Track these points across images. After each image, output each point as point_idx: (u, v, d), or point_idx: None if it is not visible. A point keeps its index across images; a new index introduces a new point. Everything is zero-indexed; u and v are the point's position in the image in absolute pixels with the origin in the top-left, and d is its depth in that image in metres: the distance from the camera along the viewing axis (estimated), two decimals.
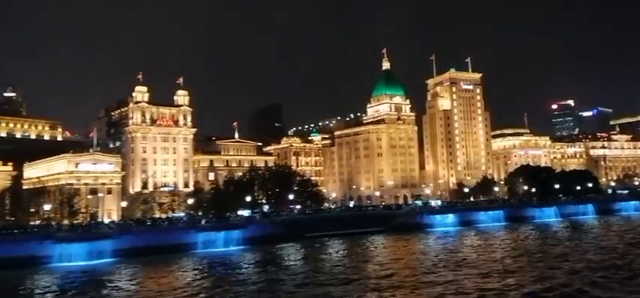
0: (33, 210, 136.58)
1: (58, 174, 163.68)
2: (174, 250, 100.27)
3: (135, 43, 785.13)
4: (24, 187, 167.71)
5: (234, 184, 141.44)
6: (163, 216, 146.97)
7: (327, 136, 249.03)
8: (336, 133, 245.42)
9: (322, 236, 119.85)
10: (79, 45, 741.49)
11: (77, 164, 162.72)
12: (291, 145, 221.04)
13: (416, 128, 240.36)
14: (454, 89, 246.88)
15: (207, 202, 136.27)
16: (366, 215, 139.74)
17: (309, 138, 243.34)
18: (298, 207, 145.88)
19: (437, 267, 75.32)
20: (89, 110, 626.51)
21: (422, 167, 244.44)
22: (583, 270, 67.65)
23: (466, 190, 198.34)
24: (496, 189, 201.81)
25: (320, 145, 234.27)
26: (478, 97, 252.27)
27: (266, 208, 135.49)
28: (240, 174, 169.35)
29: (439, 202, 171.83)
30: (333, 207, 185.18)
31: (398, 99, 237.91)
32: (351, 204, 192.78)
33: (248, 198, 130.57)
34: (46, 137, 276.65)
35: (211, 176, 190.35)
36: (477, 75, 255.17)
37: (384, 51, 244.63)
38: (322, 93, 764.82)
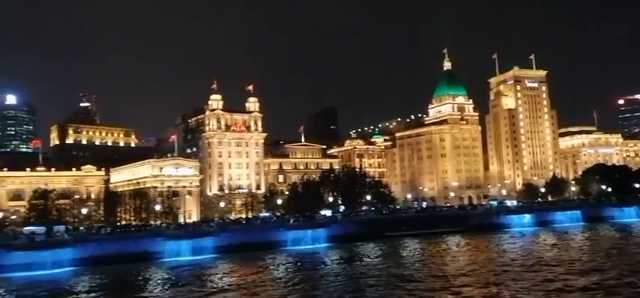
0: (120, 211, 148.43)
1: (143, 177, 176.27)
2: (267, 247, 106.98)
3: (200, 52, 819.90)
4: (111, 190, 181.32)
5: (310, 185, 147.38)
6: (242, 216, 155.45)
7: (387, 138, 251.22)
8: (397, 134, 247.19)
9: (400, 235, 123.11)
10: (148, 55, 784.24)
11: (161, 168, 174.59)
12: (355, 147, 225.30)
13: (479, 128, 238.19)
14: (518, 87, 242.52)
15: (287, 203, 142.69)
16: (441, 215, 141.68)
17: (372, 140, 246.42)
18: (365, 208, 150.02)
19: (529, 267, 75.87)
20: (157, 117, 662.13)
21: (486, 167, 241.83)
22: None
23: (542, 190, 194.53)
24: (573, 188, 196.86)
25: (382, 147, 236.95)
26: (544, 95, 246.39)
27: (342, 208, 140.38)
28: (313, 176, 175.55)
29: (515, 202, 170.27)
30: (397, 207, 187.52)
31: (461, 99, 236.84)
32: (424, 204, 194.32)
33: (330, 199, 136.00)
34: (121, 143, 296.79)
35: (281, 178, 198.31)
36: (542, 73, 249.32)
37: (445, 51, 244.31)
38: (376, 95, 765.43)
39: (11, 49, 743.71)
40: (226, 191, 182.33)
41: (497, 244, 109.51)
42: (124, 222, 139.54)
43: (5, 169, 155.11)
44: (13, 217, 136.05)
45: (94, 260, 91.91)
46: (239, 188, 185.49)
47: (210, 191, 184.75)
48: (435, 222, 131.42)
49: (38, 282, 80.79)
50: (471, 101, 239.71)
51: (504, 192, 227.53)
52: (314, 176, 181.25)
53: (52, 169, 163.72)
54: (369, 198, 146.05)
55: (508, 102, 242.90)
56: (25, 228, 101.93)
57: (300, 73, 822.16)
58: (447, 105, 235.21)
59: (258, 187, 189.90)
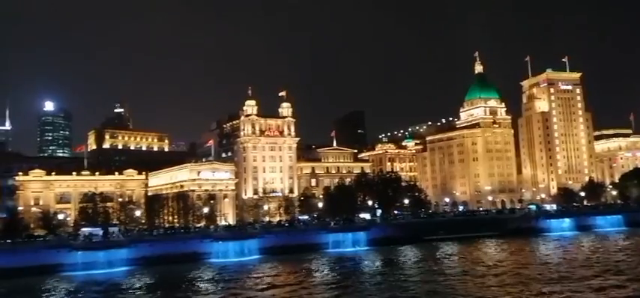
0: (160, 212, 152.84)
1: (181, 181, 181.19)
2: (308, 249, 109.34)
3: (229, 58, 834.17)
4: (149, 194, 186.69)
5: (346, 189, 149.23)
6: (277, 219, 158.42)
7: (418, 141, 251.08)
8: (428, 138, 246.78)
9: (438, 239, 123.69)
10: (177, 63, 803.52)
11: (198, 172, 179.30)
12: (386, 151, 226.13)
13: (512, 131, 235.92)
14: (552, 90, 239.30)
15: (324, 206, 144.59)
16: (478, 219, 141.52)
17: (402, 143, 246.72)
18: (399, 211, 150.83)
19: (574, 272, 75.46)
20: (186, 123, 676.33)
21: (519, 171, 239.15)
22: None
23: (582, 194, 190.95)
24: (612, 192, 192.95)
25: (414, 151, 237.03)
26: (578, 98, 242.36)
27: (378, 212, 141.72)
28: (347, 180, 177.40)
29: (555, 206, 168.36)
30: (432, 211, 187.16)
31: (493, 103, 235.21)
32: (460, 208, 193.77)
33: (370, 202, 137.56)
34: (155, 148, 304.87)
35: (313, 182, 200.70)
36: (576, 75, 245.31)
37: (477, 54, 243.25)
38: (403, 99, 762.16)
39: (49, 58, 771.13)
40: (261, 194, 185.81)
41: (540, 248, 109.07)
42: (167, 224, 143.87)
43: (53, 173, 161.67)
44: (61, 218, 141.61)
45: (146, 261, 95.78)
46: (273, 191, 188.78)
47: (245, 194, 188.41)
48: (473, 226, 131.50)
49: (97, 281, 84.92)
50: (503, 104, 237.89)
51: (539, 197, 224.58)
52: (348, 180, 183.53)
53: (97, 173, 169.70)
54: (406, 202, 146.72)
55: (541, 105, 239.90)
56: (83, 229, 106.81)
57: (326, 78, 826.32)
58: (479, 108, 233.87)
59: (291, 191, 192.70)
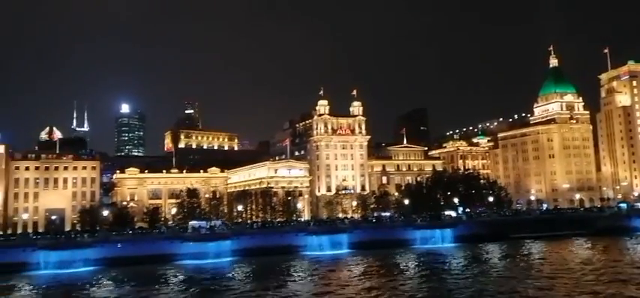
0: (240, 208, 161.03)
1: (259, 178, 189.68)
2: (396, 245, 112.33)
3: (294, 59, 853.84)
4: (228, 190, 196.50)
5: (426, 186, 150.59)
6: (349, 216, 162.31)
7: (489, 138, 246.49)
8: (500, 135, 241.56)
9: (524, 237, 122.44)
10: (242, 65, 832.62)
11: (276, 170, 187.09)
12: (458, 149, 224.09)
13: (590, 127, 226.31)
14: (634, 83, 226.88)
15: (410, 202, 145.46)
16: (565, 217, 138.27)
17: (474, 140, 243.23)
18: (481, 209, 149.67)
19: None
20: (253, 122, 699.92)
21: (598, 168, 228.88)
22: None
23: None
24: None
25: (486, 148, 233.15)
26: None
27: (460, 209, 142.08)
28: (417, 178, 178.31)
29: None
30: (516, 209, 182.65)
31: (569, 98, 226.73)
32: (544, 206, 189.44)
33: (456, 200, 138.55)
34: (226, 147, 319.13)
35: (384, 179, 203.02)
36: None
37: (551, 47, 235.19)
38: (465, 95, 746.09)
39: (123, 62, 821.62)
40: (334, 192, 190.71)
41: (637, 248, 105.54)
42: (251, 219, 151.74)
43: (146, 171, 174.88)
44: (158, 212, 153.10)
45: (247, 252, 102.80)
46: (345, 188, 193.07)
47: (319, 191, 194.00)
48: (559, 225, 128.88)
49: (206, 269, 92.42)
50: (580, 99, 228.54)
51: (620, 196, 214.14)
52: (420, 177, 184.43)
53: (184, 171, 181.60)
54: (490, 199, 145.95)
55: (622, 99, 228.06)
56: (190, 223, 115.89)
57: (387, 74, 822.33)
58: (554, 103, 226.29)
59: (363, 188, 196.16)
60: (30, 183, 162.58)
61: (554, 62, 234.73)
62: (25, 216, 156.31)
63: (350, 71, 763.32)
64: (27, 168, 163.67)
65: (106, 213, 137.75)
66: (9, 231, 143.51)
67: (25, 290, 78.83)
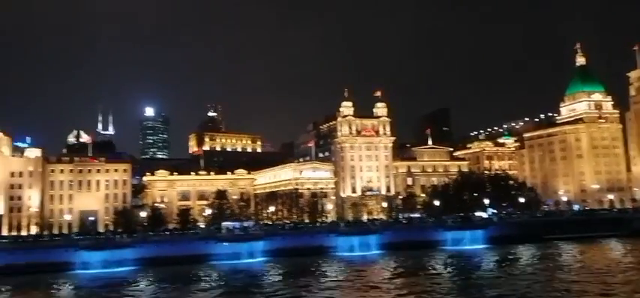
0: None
1: (285, 180, 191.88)
2: (426, 246, 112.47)
3: (315, 61, 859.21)
4: (255, 191, 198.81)
5: (457, 188, 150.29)
6: (375, 217, 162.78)
7: (515, 138, 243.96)
8: (526, 135, 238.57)
9: (557, 239, 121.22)
10: (264, 68, 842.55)
11: (301, 171, 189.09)
12: (484, 149, 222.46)
13: (620, 126, 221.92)
14: None
15: (443, 203, 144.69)
16: (598, 218, 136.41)
17: (499, 141, 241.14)
18: (510, 209, 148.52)
19: None
20: (274, 124, 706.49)
21: (628, 169, 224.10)
22: None
23: None
24: None
25: (513, 148, 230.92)
26: None
27: (490, 211, 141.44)
28: (443, 179, 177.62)
29: None
30: (546, 209, 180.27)
31: (597, 96, 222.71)
32: (576, 207, 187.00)
33: (487, 201, 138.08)
34: (249, 149, 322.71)
35: (409, 180, 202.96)
36: None
37: (578, 46, 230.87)
38: (488, 96, 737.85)
39: (147, 65, 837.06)
40: (359, 193, 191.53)
41: None
42: (280, 220, 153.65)
43: (175, 173, 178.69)
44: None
45: (279, 252, 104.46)
46: (370, 190, 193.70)
47: (344, 192, 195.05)
48: (592, 225, 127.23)
49: (240, 269, 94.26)
50: (609, 98, 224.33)
51: None
52: (446, 178, 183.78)
53: (212, 173, 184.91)
54: (521, 200, 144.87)
55: None
56: (224, 223, 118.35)
57: (410, 75, 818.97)
58: (582, 102, 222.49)
59: (388, 189, 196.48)
60: (64, 186, 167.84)
61: (581, 60, 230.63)
62: (67, 217, 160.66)
63: (369, 72, 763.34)
64: (61, 171, 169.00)
65: (143, 214, 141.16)
66: (45, 232, 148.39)
67: (70, 289, 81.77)
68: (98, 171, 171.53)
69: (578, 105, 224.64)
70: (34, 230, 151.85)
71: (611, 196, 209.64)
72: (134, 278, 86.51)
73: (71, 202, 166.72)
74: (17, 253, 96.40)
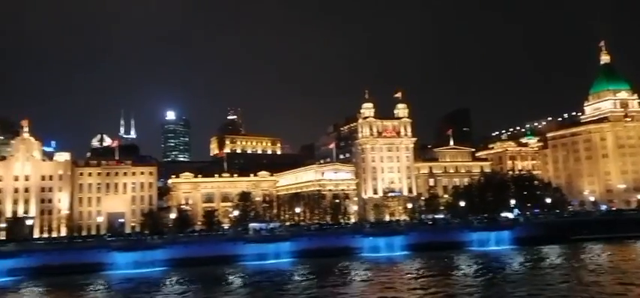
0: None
1: (307, 182, 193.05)
2: (452, 247, 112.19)
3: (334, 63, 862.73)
4: (277, 193, 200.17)
5: (481, 188, 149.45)
6: (401, 218, 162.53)
7: (538, 138, 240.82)
8: (549, 135, 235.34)
9: (584, 239, 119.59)
10: (284, 71, 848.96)
11: (322, 173, 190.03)
12: (506, 149, 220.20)
13: None
14: None
15: (468, 205, 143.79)
16: (627, 219, 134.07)
17: (522, 141, 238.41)
18: (537, 210, 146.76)
19: None
20: (292, 126, 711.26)
21: None
22: None
23: None
24: None
25: (536, 148, 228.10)
26: None
27: (516, 211, 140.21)
28: (465, 180, 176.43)
29: None
30: (570, 209, 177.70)
31: (623, 94, 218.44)
32: (603, 207, 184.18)
33: (513, 202, 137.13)
34: (269, 151, 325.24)
35: (431, 181, 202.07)
36: None
37: (602, 44, 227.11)
38: (511, 95, 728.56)
39: (169, 70, 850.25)
40: (380, 194, 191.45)
41: None
42: (304, 221, 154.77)
43: (200, 176, 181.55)
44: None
45: (305, 253, 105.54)
46: (391, 191, 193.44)
47: (365, 194, 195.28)
48: (620, 226, 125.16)
49: (270, 270, 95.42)
50: (635, 96, 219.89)
51: None
52: (467, 179, 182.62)
53: (235, 175, 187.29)
54: (548, 201, 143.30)
55: None
56: (251, 225, 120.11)
57: (429, 75, 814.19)
58: (607, 101, 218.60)
59: (410, 190, 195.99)
60: (93, 188, 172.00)
61: (605, 59, 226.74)
62: (99, 219, 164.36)
63: (388, 73, 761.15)
64: (90, 174, 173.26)
65: (173, 215, 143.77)
66: (75, 234, 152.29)
67: (104, 289, 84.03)
68: (125, 174, 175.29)
69: (603, 103, 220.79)
70: (64, 232, 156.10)
71: (639, 196, 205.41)
72: (166, 279, 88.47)
73: (99, 204, 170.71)
74: (52, 254, 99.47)
